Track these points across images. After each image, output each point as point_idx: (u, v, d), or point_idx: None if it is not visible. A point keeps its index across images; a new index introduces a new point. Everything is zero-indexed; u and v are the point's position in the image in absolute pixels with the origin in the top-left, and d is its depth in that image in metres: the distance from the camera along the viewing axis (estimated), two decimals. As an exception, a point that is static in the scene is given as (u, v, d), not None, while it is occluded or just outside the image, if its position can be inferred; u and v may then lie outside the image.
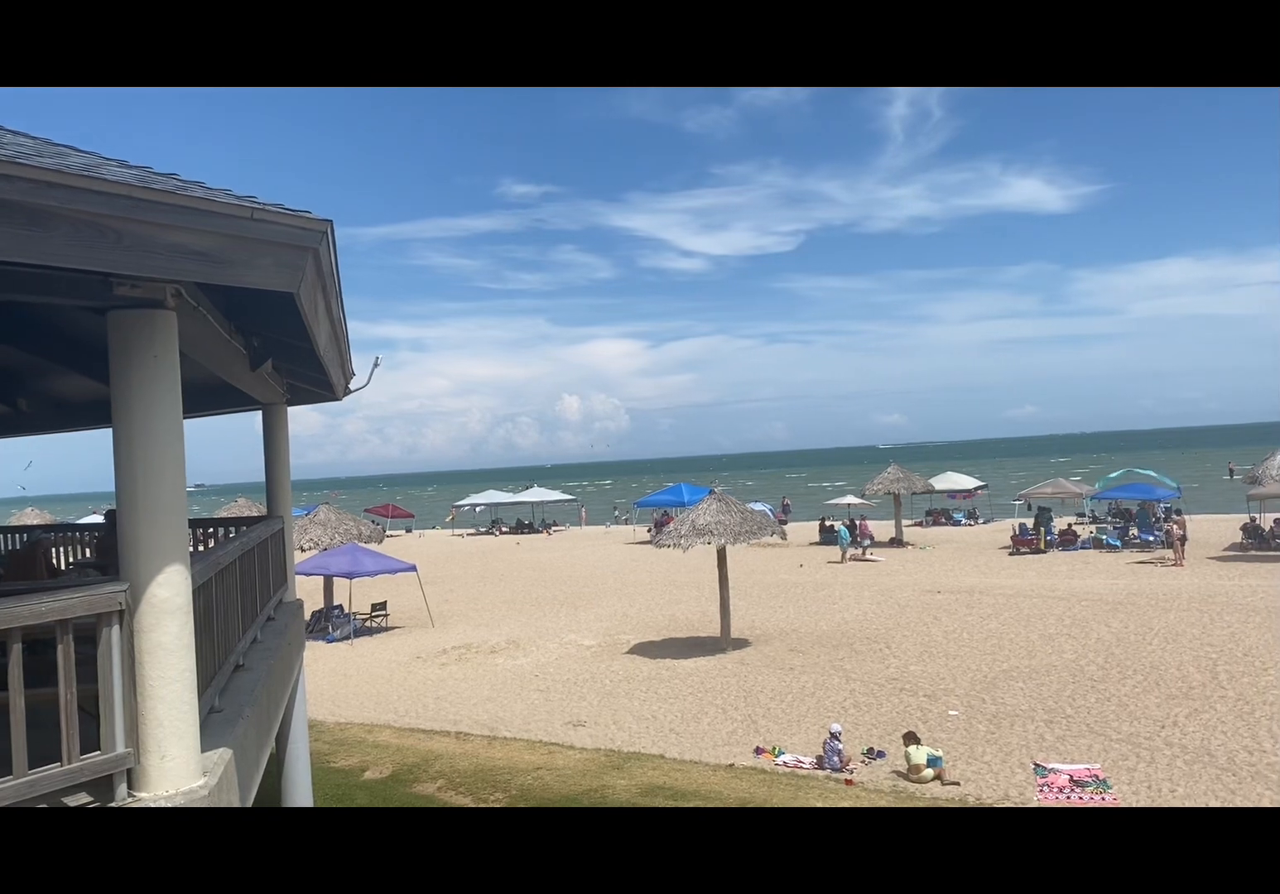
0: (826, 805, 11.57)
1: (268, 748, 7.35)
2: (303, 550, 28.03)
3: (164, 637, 4.35)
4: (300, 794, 10.72)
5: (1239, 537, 33.62)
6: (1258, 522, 33.86)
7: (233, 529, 10.73)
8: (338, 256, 5.19)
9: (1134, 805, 11.29)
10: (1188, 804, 11.17)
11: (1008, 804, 11.60)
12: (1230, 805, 11.04)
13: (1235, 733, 13.64)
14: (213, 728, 5.30)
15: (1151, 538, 34.61)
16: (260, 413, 10.88)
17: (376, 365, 9.85)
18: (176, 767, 4.35)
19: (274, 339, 7.44)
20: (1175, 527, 31.41)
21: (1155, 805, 11.23)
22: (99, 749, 4.16)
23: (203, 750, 4.63)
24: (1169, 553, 30.81)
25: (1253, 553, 31.39)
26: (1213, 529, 37.59)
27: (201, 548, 11.10)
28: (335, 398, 10.70)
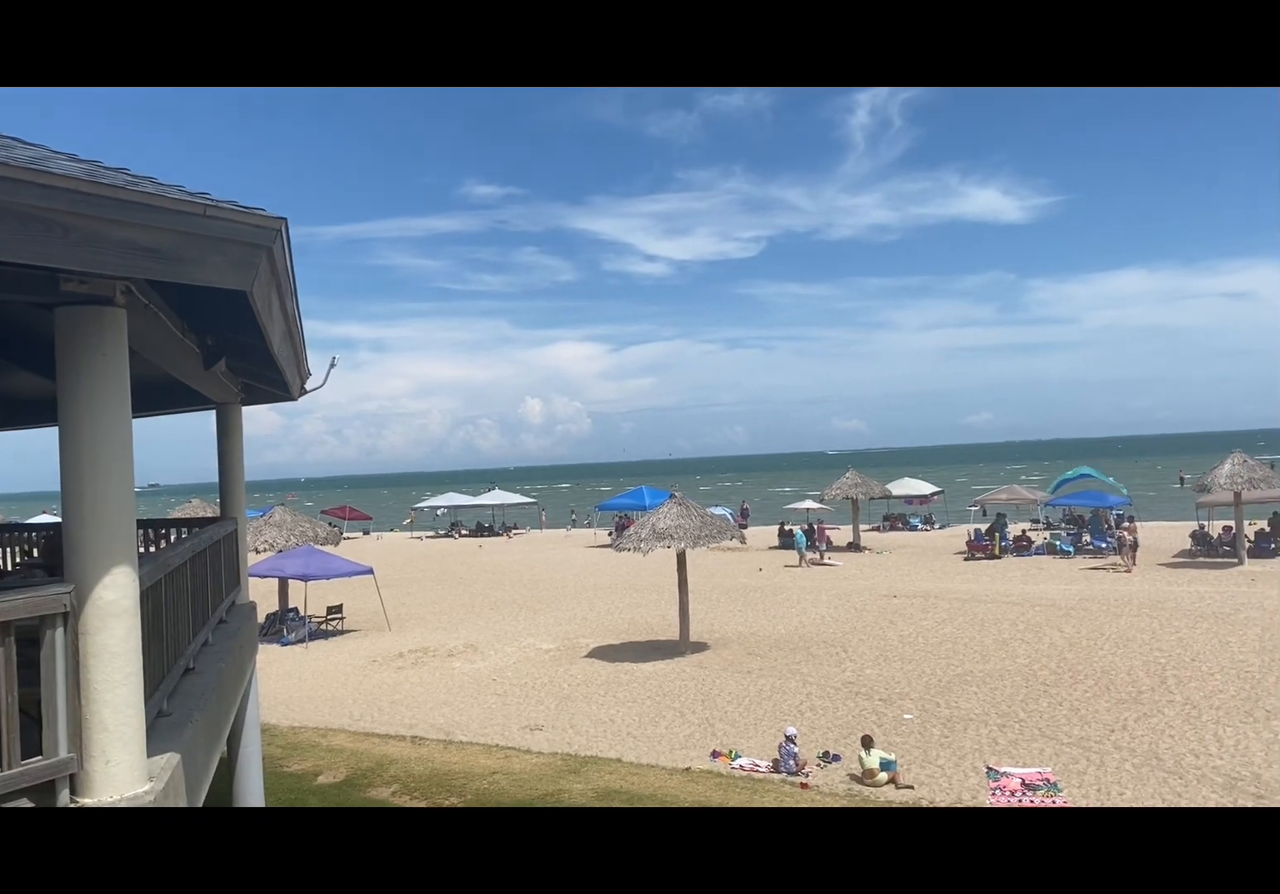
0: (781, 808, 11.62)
1: (218, 752, 7.24)
2: (258, 552, 27.68)
3: (110, 639, 4.27)
4: (252, 799, 10.57)
5: (1188, 543, 34.22)
6: (1206, 529, 34.50)
7: (185, 531, 10.57)
8: (292, 255, 5.14)
9: (1089, 808, 11.45)
10: (1135, 806, 11.34)
11: (960, 807, 11.71)
12: (1176, 806, 11.22)
13: (1182, 736, 13.88)
14: (160, 732, 5.21)
15: (1104, 544, 35.15)
16: (214, 412, 10.73)
17: (333, 366, 9.76)
18: (121, 772, 4.27)
19: (228, 338, 7.34)
20: (1126, 533, 31.92)
21: (1109, 808, 11.40)
22: (40, 754, 4.08)
23: (149, 755, 4.55)
24: (1121, 559, 31.30)
25: (1201, 559, 31.97)
26: (1163, 536, 38.24)
27: (153, 549, 10.93)
28: (291, 398, 10.58)
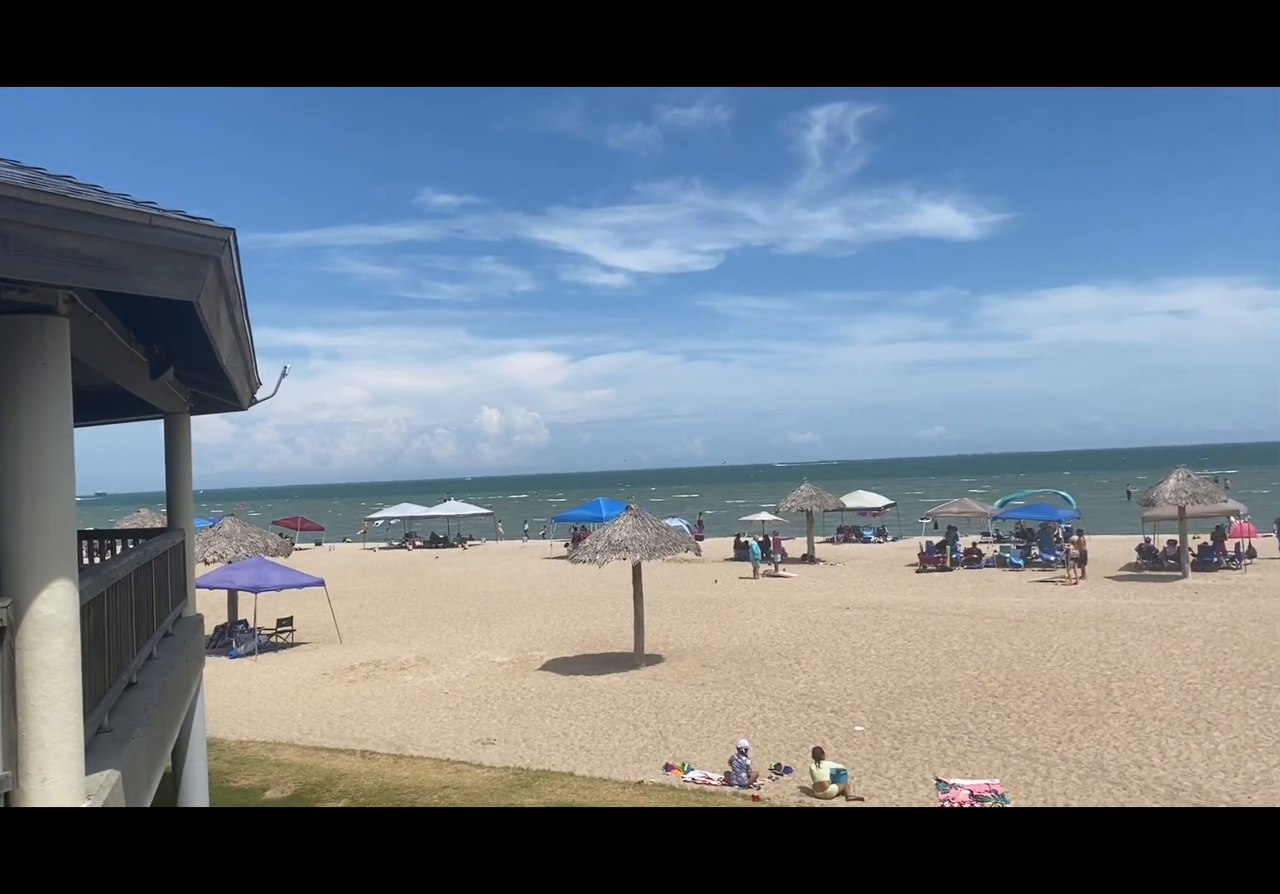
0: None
1: (161, 768, 7.12)
2: (206, 563, 27.26)
3: (48, 655, 4.19)
4: (195, 816, 10.39)
5: (1135, 557, 34.86)
6: (1151, 542, 35.17)
7: (130, 542, 10.40)
8: (241, 265, 5.09)
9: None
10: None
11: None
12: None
13: (1126, 748, 14.11)
14: (100, 748, 5.11)
15: (1053, 557, 35.69)
16: (162, 421, 10.58)
17: (284, 375, 9.68)
18: (58, 790, 4.19)
19: (176, 347, 7.25)
20: (1073, 547, 32.46)
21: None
22: (-27, 772, 3.99)
23: (88, 772, 4.46)
24: (1068, 572, 31.80)
25: (1147, 572, 32.59)
26: (1110, 549, 38.90)
27: (97, 560, 10.73)
28: (241, 407, 10.46)
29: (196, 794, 10.51)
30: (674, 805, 12.42)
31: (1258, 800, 11.72)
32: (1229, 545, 34.24)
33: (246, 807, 12.41)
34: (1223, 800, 11.81)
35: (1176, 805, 11.71)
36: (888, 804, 12.39)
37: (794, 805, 12.51)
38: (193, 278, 4.23)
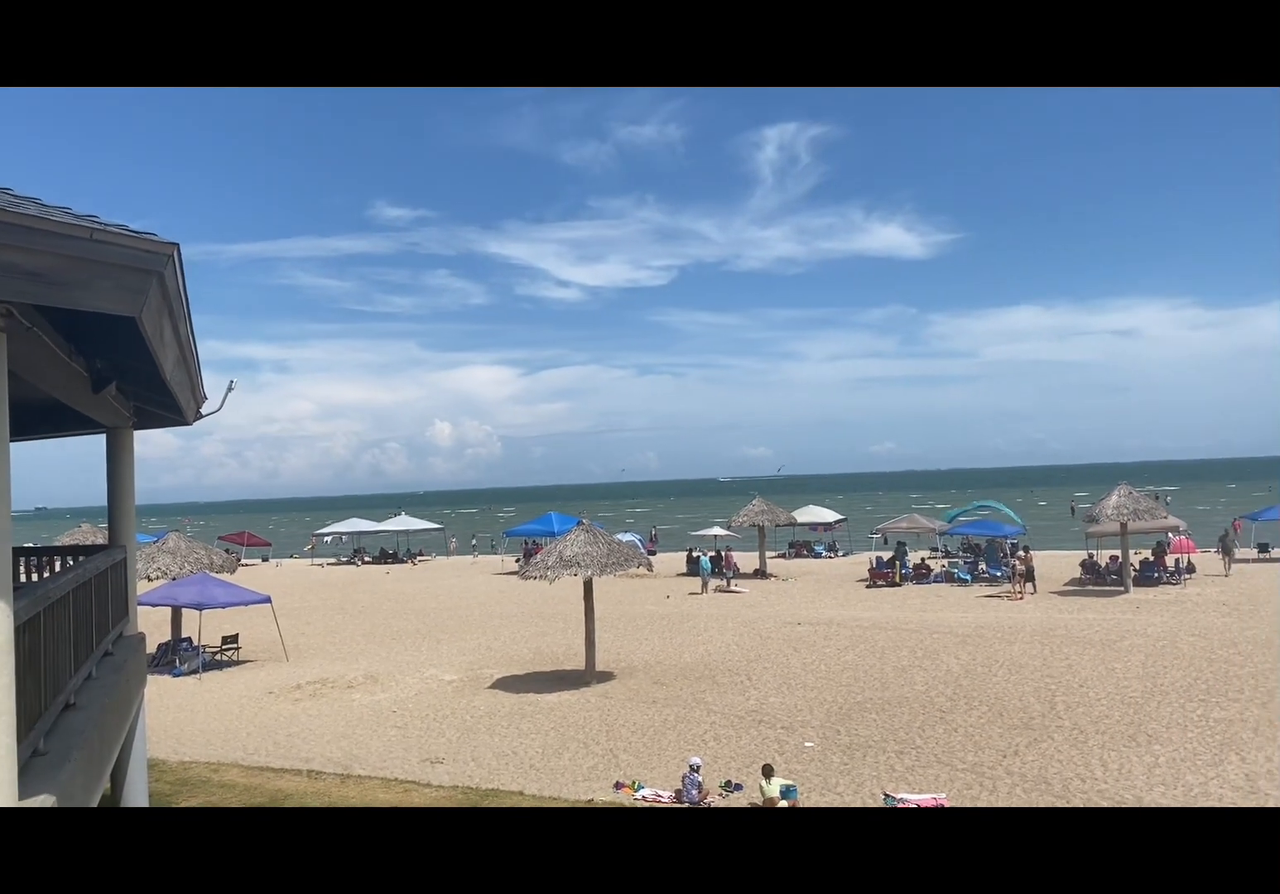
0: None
1: (98, 791, 6.96)
2: (150, 580, 26.73)
3: (-21, 677, 4.09)
4: (134, 840, 10.14)
5: (1078, 572, 35.46)
6: (1095, 558, 35.81)
7: (69, 559, 10.17)
8: (185, 279, 5.03)
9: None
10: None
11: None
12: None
13: (1070, 761, 14.31)
14: (35, 772, 5.00)
15: (999, 572, 36.19)
16: (104, 436, 10.38)
17: (231, 389, 9.57)
18: (-12, 816, 4.07)
19: (118, 362, 7.14)
20: (1018, 562, 32.95)
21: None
22: (-101, 799, 3.87)
23: (22, 797, 4.36)
24: (1014, 587, 32.25)
25: (1090, 587, 33.16)
26: (1055, 564, 39.52)
27: (35, 577, 10.49)
28: (185, 422, 10.31)
29: (135, 817, 10.26)
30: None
31: (1197, 812, 11.94)
32: (1169, 561, 35.00)
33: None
34: (1163, 813, 12.02)
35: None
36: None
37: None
38: (135, 293, 4.17)
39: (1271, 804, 12.11)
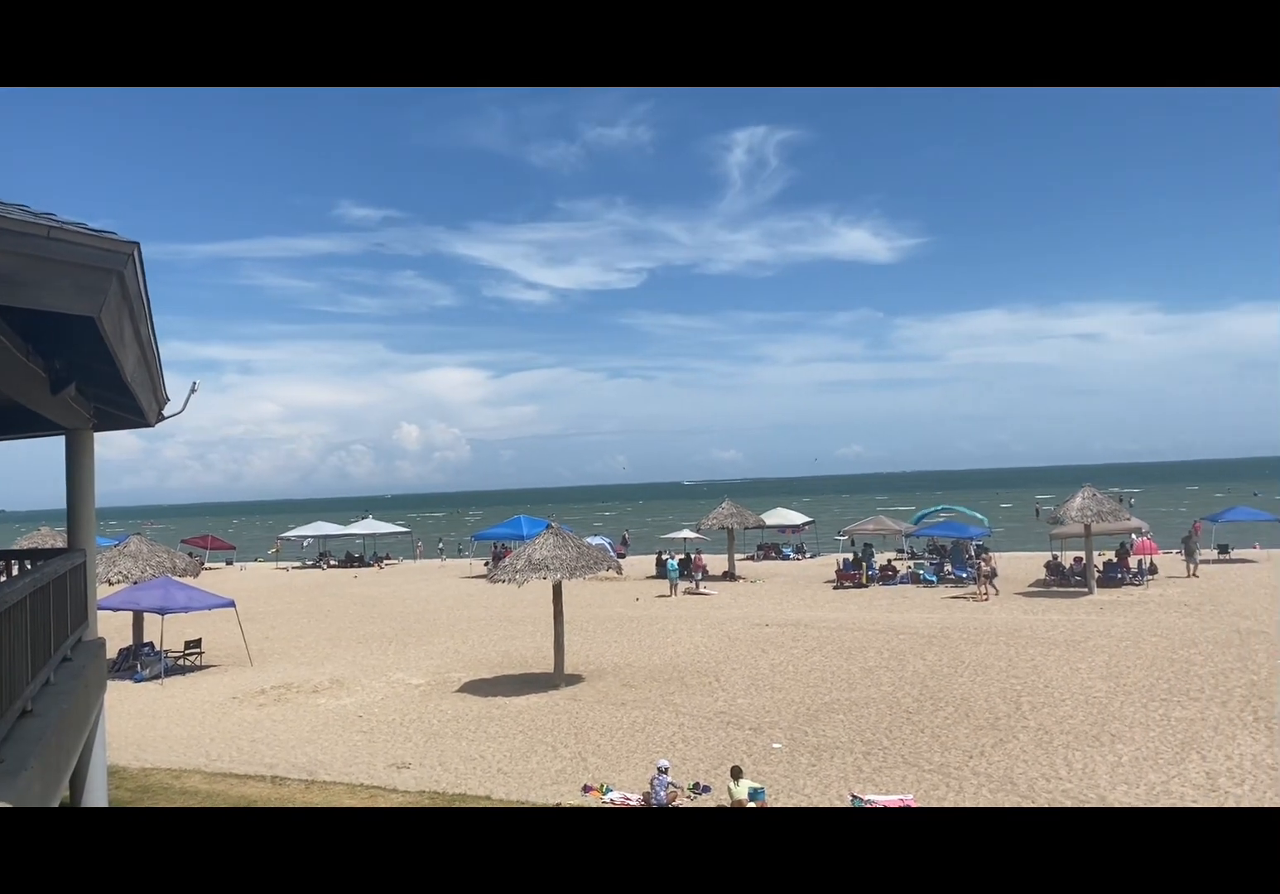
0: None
1: (56, 799, 6.82)
2: (111, 584, 26.37)
3: (-69, 684, 3.99)
4: (94, 848, 9.97)
5: (1043, 573, 35.81)
6: (1059, 559, 36.20)
7: (26, 562, 9.99)
8: (146, 278, 4.96)
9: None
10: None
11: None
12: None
13: (1035, 761, 14.44)
14: (-11, 781, 4.88)
15: (965, 574, 36.48)
16: (64, 438, 10.22)
17: (194, 391, 9.45)
18: (-60, 827, 3.98)
19: (78, 362, 7.02)
20: (983, 563, 33.24)
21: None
22: None
23: (-25, 807, 4.26)
24: (978, 588, 32.51)
25: (1055, 589, 33.51)
26: (1020, 566, 39.92)
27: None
28: (147, 424, 10.17)
29: (95, 826, 10.09)
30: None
31: (1159, 810, 12.09)
32: (1132, 562, 35.44)
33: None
34: (1126, 811, 12.15)
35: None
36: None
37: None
38: (94, 292, 4.10)
39: (1231, 803, 12.28)
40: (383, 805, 13.49)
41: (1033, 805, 12.54)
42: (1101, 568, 34.07)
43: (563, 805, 13.34)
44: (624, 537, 59.24)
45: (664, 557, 43.48)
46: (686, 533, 49.10)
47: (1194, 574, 34.84)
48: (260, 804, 13.74)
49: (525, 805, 13.39)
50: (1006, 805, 12.59)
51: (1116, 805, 12.41)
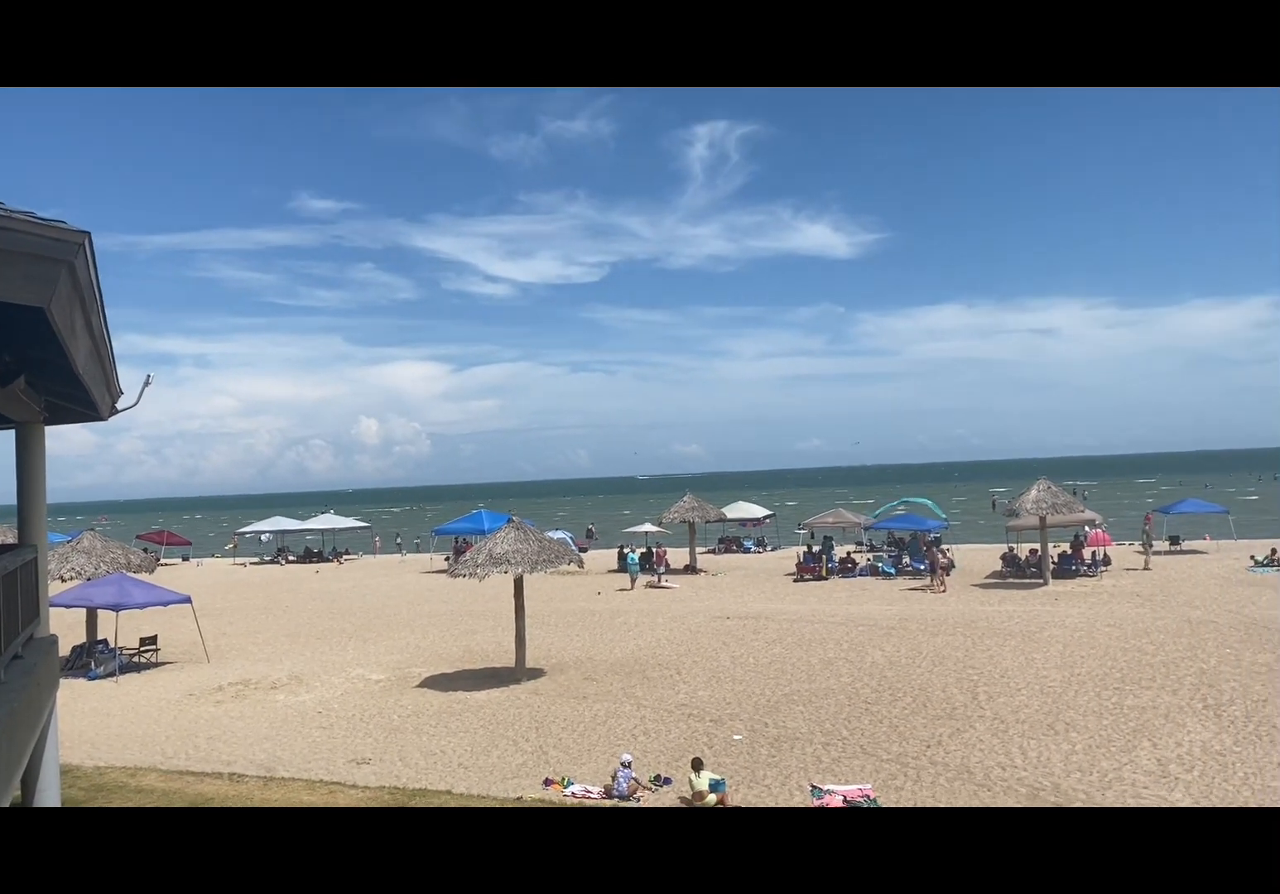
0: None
1: (7, 797, 6.72)
2: (64, 581, 25.93)
3: (-124, 682, 3.91)
4: (46, 848, 9.82)
5: (999, 565, 36.30)
6: (1015, 551, 36.69)
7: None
8: (98, 269, 4.88)
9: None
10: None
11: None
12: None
13: (991, 750, 14.65)
14: (-64, 781, 4.80)
15: (922, 566, 36.84)
16: (13, 432, 10.02)
17: (148, 384, 9.31)
18: (-114, 827, 3.90)
19: (27, 355, 6.89)
20: (941, 556, 33.63)
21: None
22: None
23: (-78, 807, 4.19)
24: (931, 580, 32.84)
25: (1010, 580, 33.97)
26: (976, 558, 40.45)
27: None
28: (100, 418, 10.00)
29: (48, 825, 9.94)
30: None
31: (1110, 797, 12.32)
32: (1086, 554, 36.02)
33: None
34: (1079, 799, 12.37)
35: (1036, 805, 12.21)
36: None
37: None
38: (44, 283, 4.03)
39: (1180, 789, 12.54)
40: (342, 802, 13.41)
41: (989, 793, 12.74)
42: (1056, 559, 34.59)
43: (524, 799, 13.33)
44: (589, 530, 59.24)
45: (625, 550, 43.52)
46: (648, 527, 49.18)
47: (1147, 567, 35.47)
48: (218, 802, 13.61)
49: (486, 799, 13.37)
50: (963, 793, 12.77)
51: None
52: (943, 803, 12.50)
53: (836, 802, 12.64)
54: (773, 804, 12.87)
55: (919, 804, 12.52)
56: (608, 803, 13.20)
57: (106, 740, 17.59)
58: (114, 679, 23.12)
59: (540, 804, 13.09)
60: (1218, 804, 11.87)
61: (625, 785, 13.43)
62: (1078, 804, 12.13)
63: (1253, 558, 34.98)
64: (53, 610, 12.34)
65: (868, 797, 12.79)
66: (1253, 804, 11.79)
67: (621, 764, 13.64)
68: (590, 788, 13.79)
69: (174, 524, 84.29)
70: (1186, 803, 11.98)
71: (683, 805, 13.01)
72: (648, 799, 13.33)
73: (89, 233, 4.20)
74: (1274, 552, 34.45)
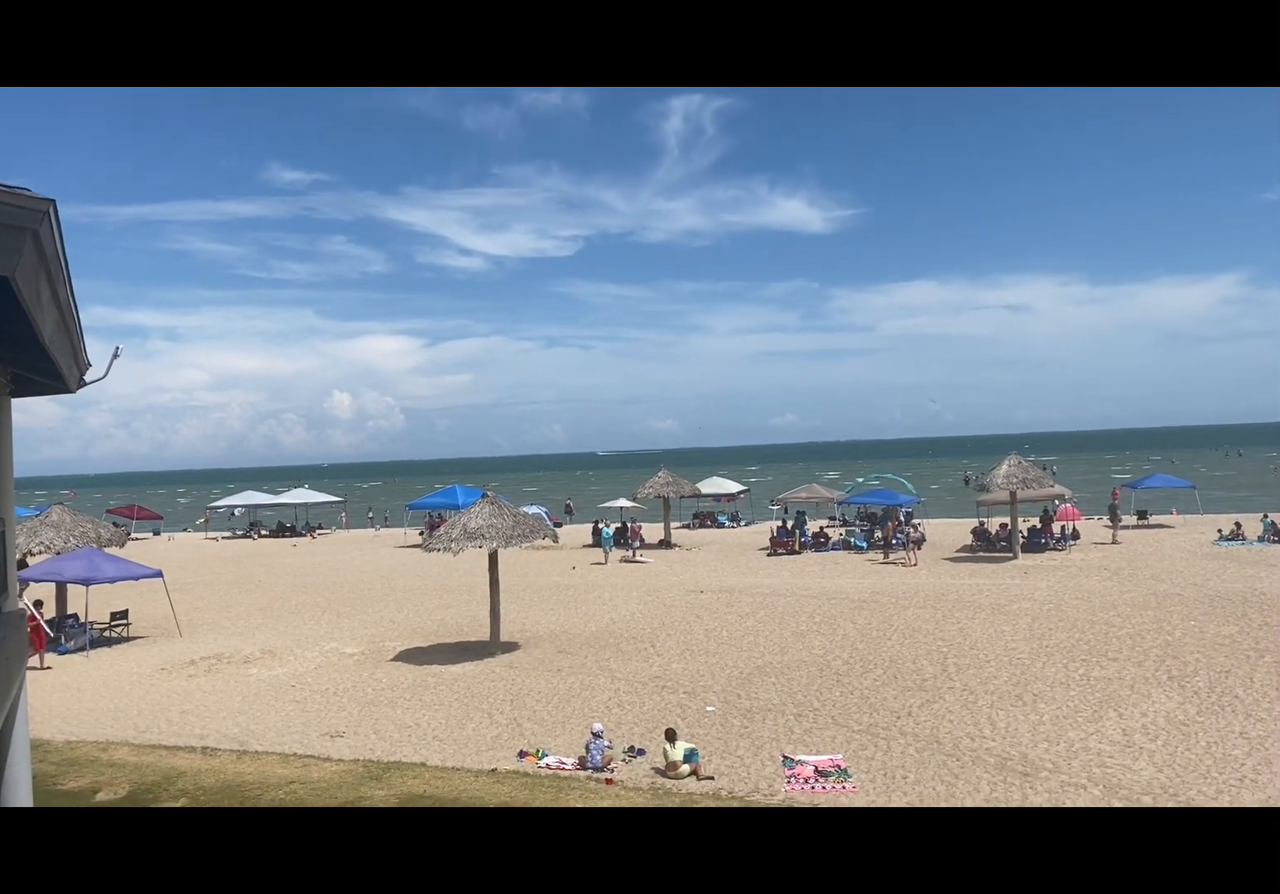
0: (586, 805, 11.73)
1: (-23, 773, 6.68)
2: (32, 555, 25.71)
3: None
4: (18, 822, 9.80)
5: (970, 539, 36.68)
6: (985, 525, 37.06)
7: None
8: (63, 238, 4.80)
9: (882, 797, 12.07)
10: (918, 788, 12.07)
11: (756, 796, 12.14)
12: (954, 790, 12.02)
13: (960, 720, 14.87)
14: (-96, 755, 4.77)
15: (895, 540, 37.16)
16: (-22, 405, 9.86)
17: (116, 356, 9.16)
18: None
19: (-8, 325, 6.77)
20: (911, 530, 33.93)
21: (895, 792, 12.07)
22: None
23: (-110, 781, 4.16)
24: (908, 554, 33.13)
25: (981, 554, 34.35)
26: (947, 532, 40.83)
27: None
28: (68, 390, 9.84)
29: (20, 799, 9.90)
30: (528, 791, 12.43)
31: (1077, 766, 12.55)
32: (1055, 528, 36.44)
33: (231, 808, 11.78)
34: (1046, 768, 12.58)
35: (1004, 773, 12.42)
36: (736, 782, 12.70)
37: (646, 787, 12.69)
38: (8, 251, 3.96)
39: (1144, 759, 12.78)
40: (316, 774, 13.43)
41: (958, 763, 12.93)
42: (1026, 534, 34.98)
43: (499, 771, 13.41)
44: (568, 505, 59.24)
45: (600, 525, 43.61)
46: (623, 502, 49.27)
47: (1115, 540, 35.94)
48: (190, 775, 13.61)
49: (461, 771, 13.43)
50: (932, 763, 12.96)
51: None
52: (911, 773, 12.68)
53: (807, 772, 12.80)
54: (745, 773, 13.02)
55: (889, 773, 12.70)
56: (582, 774, 13.30)
57: (78, 715, 17.51)
58: (84, 654, 22.98)
59: (516, 775, 13.18)
60: (1180, 773, 12.13)
61: (600, 756, 13.53)
62: (1044, 773, 12.35)
63: (1219, 531, 35.52)
64: (21, 585, 12.23)
65: (839, 767, 12.96)
66: (1214, 773, 12.05)
67: (593, 734, 13.74)
68: (565, 759, 13.88)
69: (145, 498, 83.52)
70: (1150, 772, 12.23)
71: (656, 775, 13.14)
72: (622, 770, 13.44)
73: (53, 200, 4.12)
74: (1238, 526, 35.01)
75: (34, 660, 21.33)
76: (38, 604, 22.57)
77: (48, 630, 22.17)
